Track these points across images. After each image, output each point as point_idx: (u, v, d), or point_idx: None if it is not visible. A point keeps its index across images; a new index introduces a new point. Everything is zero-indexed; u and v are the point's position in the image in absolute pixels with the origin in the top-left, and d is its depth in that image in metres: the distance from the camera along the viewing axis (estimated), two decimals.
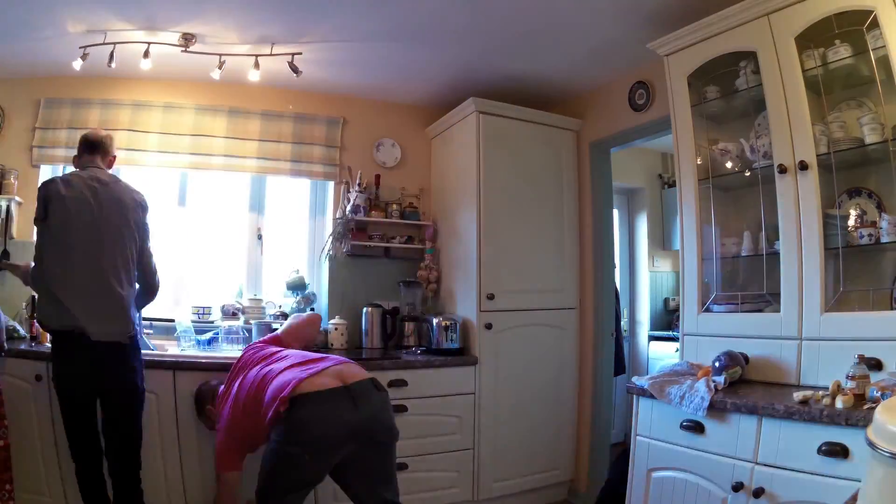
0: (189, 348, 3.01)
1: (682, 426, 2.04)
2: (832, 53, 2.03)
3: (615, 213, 4.52)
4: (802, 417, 1.68)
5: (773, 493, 1.74)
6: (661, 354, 4.49)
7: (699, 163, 2.45)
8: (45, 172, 3.26)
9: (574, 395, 3.50)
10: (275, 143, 3.54)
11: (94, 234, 2.26)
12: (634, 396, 2.28)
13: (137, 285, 2.44)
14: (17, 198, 3.10)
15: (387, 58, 3.18)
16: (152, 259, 2.52)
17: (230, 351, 3.04)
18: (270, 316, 3.41)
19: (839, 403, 1.63)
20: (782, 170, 2.09)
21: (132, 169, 3.36)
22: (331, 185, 3.71)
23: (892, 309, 1.94)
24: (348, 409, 2.08)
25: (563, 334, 3.49)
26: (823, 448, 1.62)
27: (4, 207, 3.07)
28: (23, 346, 2.64)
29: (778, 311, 2.12)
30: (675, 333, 4.36)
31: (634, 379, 2.32)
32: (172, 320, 3.18)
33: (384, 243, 3.65)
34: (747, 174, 2.35)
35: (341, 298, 3.59)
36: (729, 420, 1.90)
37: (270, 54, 2.98)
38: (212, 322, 3.28)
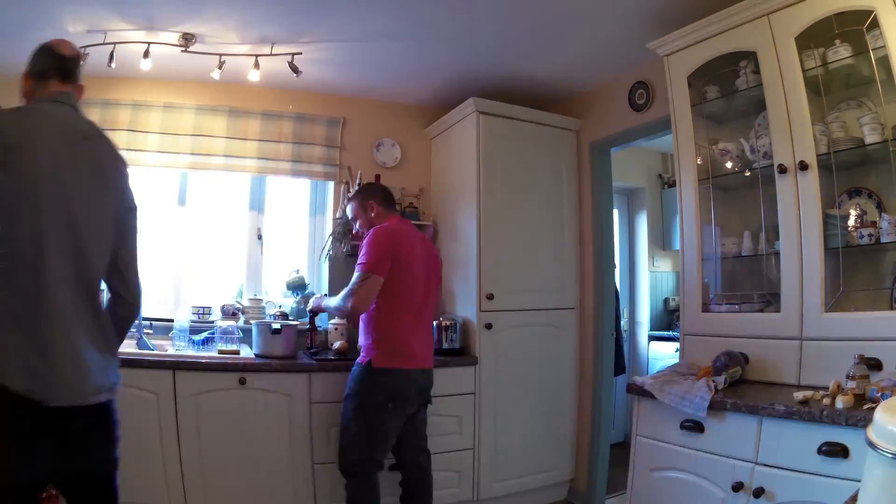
0: (184, 348, 3.01)
1: (682, 426, 2.04)
2: (832, 53, 2.03)
3: (615, 213, 4.52)
4: (802, 417, 1.68)
5: (772, 492, 1.74)
6: (661, 354, 4.49)
7: (699, 163, 2.45)
8: None
9: (574, 395, 3.50)
10: (275, 143, 3.54)
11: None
12: (634, 396, 2.28)
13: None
14: None
15: (387, 58, 3.18)
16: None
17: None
18: (270, 316, 3.40)
19: (839, 403, 1.63)
20: (782, 170, 2.09)
21: (132, 169, 3.35)
22: (331, 185, 3.71)
23: (892, 309, 1.94)
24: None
25: (563, 334, 3.49)
26: (823, 448, 1.62)
27: None
28: None
29: (778, 311, 2.12)
30: (675, 333, 4.36)
31: (634, 379, 2.32)
32: (172, 320, 3.18)
33: None
34: (747, 174, 2.35)
35: None
36: (729, 420, 1.90)
37: (270, 54, 2.98)
38: (212, 322, 3.28)
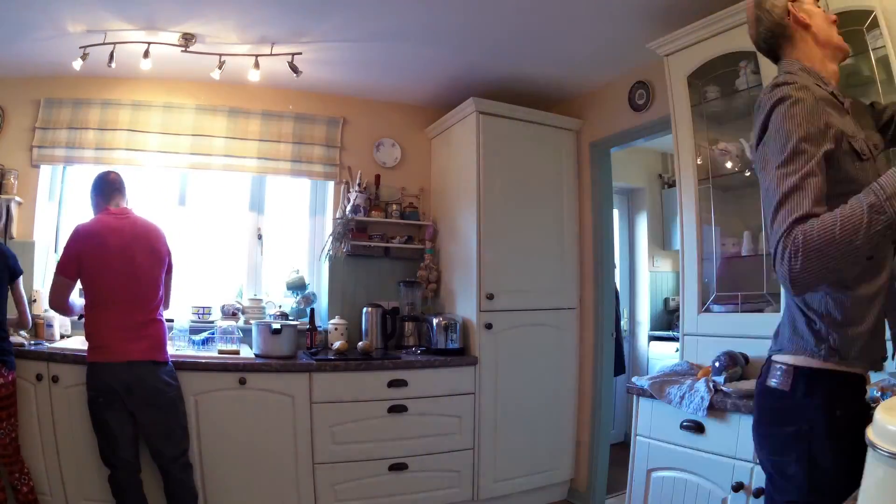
0: (184, 348, 3.01)
1: (682, 426, 2.04)
2: None
3: (615, 213, 4.52)
4: None
5: None
6: (661, 354, 4.49)
7: (699, 163, 2.45)
8: (45, 172, 3.26)
9: (574, 394, 3.50)
10: (275, 143, 3.54)
11: None
12: (634, 396, 2.28)
13: None
14: (17, 198, 3.10)
15: (387, 58, 3.18)
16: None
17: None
18: (270, 316, 3.41)
19: None
20: None
21: (132, 169, 3.36)
22: (331, 185, 3.71)
23: None
24: None
25: (563, 334, 3.49)
26: None
27: (4, 207, 3.07)
28: (25, 346, 2.64)
29: (778, 311, 2.12)
30: (675, 333, 4.36)
31: (634, 379, 2.33)
32: (172, 320, 3.18)
33: (384, 243, 3.65)
34: (747, 174, 2.35)
35: (341, 298, 3.59)
36: (729, 420, 1.90)
37: (270, 54, 2.98)
38: (212, 322, 3.28)
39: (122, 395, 2.36)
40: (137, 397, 2.39)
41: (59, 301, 2.49)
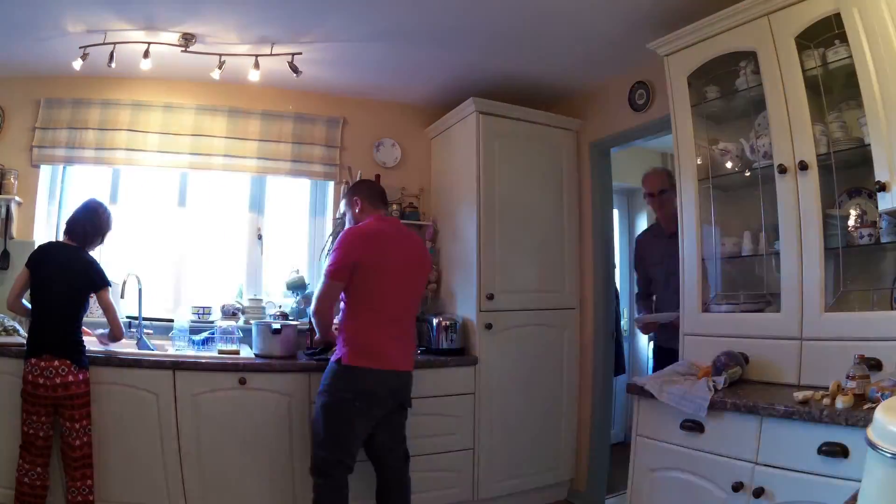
0: (184, 348, 3.01)
1: (682, 426, 2.04)
2: (832, 53, 2.03)
3: (615, 213, 4.51)
4: (802, 417, 1.67)
5: (772, 492, 1.74)
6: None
7: (699, 163, 2.45)
8: (45, 172, 3.26)
9: (574, 395, 3.50)
10: (275, 143, 3.54)
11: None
12: (634, 396, 2.28)
13: None
14: (17, 198, 3.10)
15: (387, 58, 3.18)
16: None
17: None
18: (270, 316, 3.40)
19: (839, 403, 1.63)
20: (782, 170, 2.09)
21: (132, 169, 3.37)
22: (331, 185, 3.71)
23: (892, 309, 1.94)
24: None
25: (563, 334, 3.49)
26: (823, 448, 1.61)
27: (4, 207, 3.07)
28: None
29: (778, 311, 2.12)
30: None
31: (634, 379, 2.32)
32: (172, 320, 3.18)
33: None
34: (747, 174, 2.35)
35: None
36: (729, 420, 1.90)
37: (270, 54, 2.98)
38: (212, 322, 3.28)
39: (384, 400, 2.42)
40: (397, 401, 2.49)
41: (329, 308, 2.51)
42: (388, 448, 2.56)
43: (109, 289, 2.60)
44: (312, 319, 2.66)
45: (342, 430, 2.39)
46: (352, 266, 2.40)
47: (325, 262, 2.48)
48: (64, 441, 2.39)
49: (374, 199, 2.63)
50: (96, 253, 2.72)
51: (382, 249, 2.46)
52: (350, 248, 2.42)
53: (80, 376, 2.40)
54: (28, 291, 2.55)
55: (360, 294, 2.43)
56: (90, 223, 2.60)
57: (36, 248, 2.60)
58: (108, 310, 2.57)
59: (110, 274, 2.73)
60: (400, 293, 2.50)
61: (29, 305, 2.55)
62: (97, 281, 2.55)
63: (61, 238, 2.67)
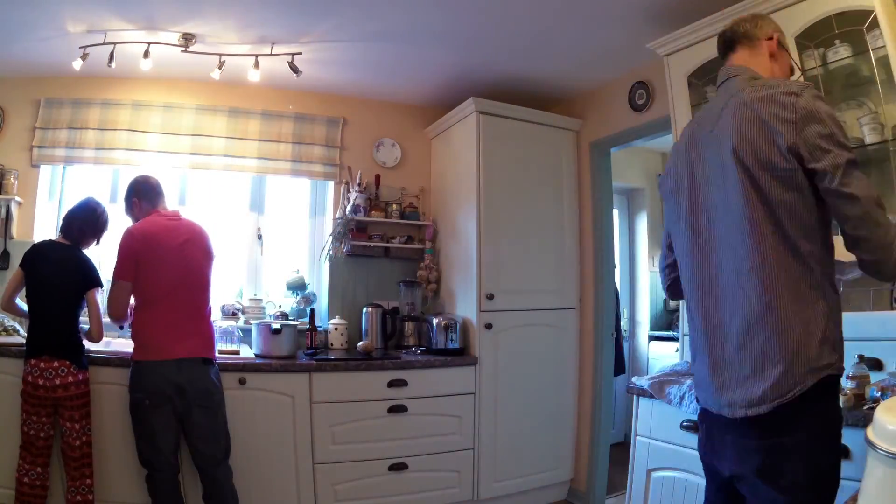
0: None
1: (682, 426, 2.04)
2: (832, 53, 2.03)
3: (615, 213, 4.51)
4: None
5: None
6: (661, 354, 4.49)
7: None
8: (45, 172, 3.26)
9: (574, 395, 3.50)
10: (275, 143, 3.54)
11: None
12: (634, 396, 2.28)
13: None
14: (17, 198, 3.10)
15: (387, 58, 3.18)
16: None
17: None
18: (270, 316, 3.41)
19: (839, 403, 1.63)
20: None
21: (132, 169, 3.36)
22: (331, 185, 3.71)
23: (892, 309, 1.93)
24: None
25: (563, 334, 3.49)
26: None
27: (4, 207, 3.07)
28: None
29: None
30: (675, 333, 4.36)
31: (634, 379, 2.32)
32: None
33: (384, 243, 3.65)
34: None
35: (341, 298, 3.59)
36: None
37: (270, 54, 2.98)
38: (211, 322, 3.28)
39: (173, 397, 2.34)
40: (188, 398, 2.37)
41: (120, 308, 2.43)
42: (196, 452, 2.44)
43: (100, 289, 2.58)
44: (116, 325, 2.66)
45: (144, 429, 2.36)
46: (134, 263, 2.40)
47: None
48: (64, 441, 2.39)
49: (150, 197, 2.58)
50: (95, 252, 2.71)
51: (154, 243, 2.43)
52: (127, 249, 2.42)
53: (80, 377, 2.41)
54: (23, 292, 2.53)
55: (138, 291, 2.43)
56: (86, 222, 2.59)
57: (30, 247, 2.58)
58: (93, 308, 2.54)
59: (109, 274, 2.72)
60: (174, 282, 2.43)
61: (24, 306, 2.54)
62: (89, 279, 2.54)
63: (56, 236, 2.66)
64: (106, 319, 2.55)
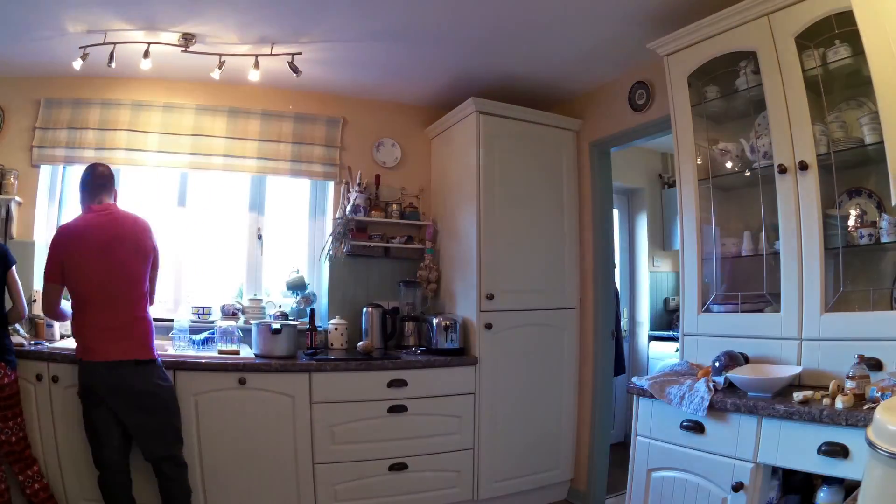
0: (184, 348, 3.01)
1: (682, 426, 2.04)
2: (832, 53, 2.03)
3: (615, 213, 4.51)
4: (802, 417, 1.68)
5: None
6: (661, 354, 4.49)
7: (699, 163, 2.45)
8: (45, 172, 3.26)
9: (574, 395, 3.50)
10: (275, 143, 3.54)
11: None
12: (634, 396, 2.28)
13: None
14: (17, 198, 3.10)
15: (387, 58, 3.18)
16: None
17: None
18: (270, 316, 3.41)
19: (839, 403, 1.63)
20: (782, 170, 2.09)
21: (132, 169, 3.36)
22: (331, 185, 3.71)
23: (892, 309, 1.94)
24: None
25: (563, 334, 3.49)
26: (823, 448, 1.61)
27: (4, 207, 3.07)
28: (25, 346, 2.64)
29: (778, 311, 2.12)
30: (675, 333, 4.36)
31: (634, 379, 2.33)
32: (172, 320, 3.18)
33: (384, 243, 3.65)
34: (747, 174, 2.35)
35: (341, 298, 3.59)
36: (729, 420, 1.90)
37: (270, 54, 2.98)
38: (212, 322, 3.28)
39: (106, 397, 2.35)
40: (121, 399, 2.37)
41: (49, 308, 2.50)
42: (144, 450, 2.44)
43: (14, 266, 2.57)
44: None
45: (87, 428, 2.39)
46: (60, 266, 2.40)
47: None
48: (2, 439, 2.40)
49: (86, 191, 2.55)
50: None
51: (77, 244, 2.42)
52: (53, 251, 2.43)
53: (13, 377, 2.42)
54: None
55: (70, 291, 2.44)
56: None
57: None
58: (12, 286, 2.55)
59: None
60: (100, 283, 2.40)
61: None
62: (3, 263, 2.52)
63: None
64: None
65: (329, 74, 3.38)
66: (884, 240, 1.92)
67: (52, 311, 2.52)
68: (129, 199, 3.45)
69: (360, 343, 3.22)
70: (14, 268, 2.59)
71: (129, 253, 2.48)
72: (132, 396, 2.39)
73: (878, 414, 0.90)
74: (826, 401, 1.70)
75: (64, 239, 2.45)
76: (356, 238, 3.56)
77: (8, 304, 2.57)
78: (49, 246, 2.46)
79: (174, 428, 2.52)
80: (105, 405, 2.36)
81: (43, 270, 2.46)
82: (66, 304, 2.56)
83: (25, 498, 2.43)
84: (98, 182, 2.55)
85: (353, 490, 2.88)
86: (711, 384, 1.99)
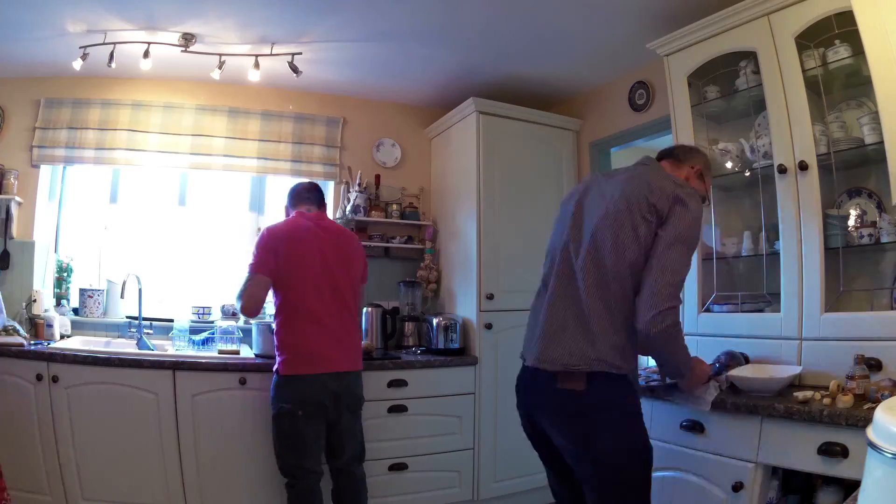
0: (184, 348, 3.01)
1: (682, 426, 2.04)
2: (832, 53, 2.03)
3: None
4: (802, 417, 1.67)
5: None
6: None
7: None
8: (45, 172, 3.26)
9: None
10: (275, 143, 3.54)
11: None
12: None
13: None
14: (17, 198, 3.10)
15: (387, 58, 3.18)
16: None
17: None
18: (270, 316, 3.40)
19: (839, 403, 1.63)
20: (782, 170, 2.09)
21: (132, 169, 3.36)
22: (331, 185, 3.71)
23: (892, 309, 1.94)
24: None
25: None
26: (823, 448, 1.61)
27: (4, 207, 3.07)
28: (24, 346, 2.64)
29: (778, 311, 2.12)
30: None
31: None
32: (172, 320, 3.19)
33: (384, 243, 3.65)
34: (747, 174, 2.35)
35: None
36: (729, 420, 1.90)
37: (270, 54, 2.98)
38: (212, 322, 3.28)
39: (328, 406, 2.33)
40: (343, 405, 2.38)
41: (257, 302, 2.35)
42: (339, 453, 2.46)
43: None
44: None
45: (294, 440, 2.34)
46: (276, 258, 2.33)
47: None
48: None
49: (296, 200, 2.57)
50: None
51: (295, 243, 2.38)
52: (265, 244, 2.36)
53: None
54: None
55: (286, 294, 2.36)
56: None
57: None
58: None
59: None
60: (327, 287, 2.37)
61: None
62: None
63: None
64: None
65: (329, 74, 3.38)
66: (884, 240, 1.92)
67: (260, 305, 2.37)
68: (129, 199, 3.46)
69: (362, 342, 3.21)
70: None
71: (347, 262, 2.48)
72: (351, 402, 2.43)
73: (878, 414, 0.90)
74: (826, 401, 1.70)
75: (281, 235, 2.39)
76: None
77: None
78: (258, 240, 2.40)
79: (361, 426, 2.57)
80: (321, 415, 2.33)
81: (252, 263, 2.35)
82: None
83: None
84: (304, 195, 2.57)
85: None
86: (716, 384, 1.98)
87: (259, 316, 3.29)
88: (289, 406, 2.30)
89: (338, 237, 2.50)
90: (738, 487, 1.81)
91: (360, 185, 3.59)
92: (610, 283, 1.64)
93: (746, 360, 2.13)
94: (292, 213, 2.55)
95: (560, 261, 1.80)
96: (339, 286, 2.42)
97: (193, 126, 3.40)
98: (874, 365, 1.77)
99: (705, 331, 2.36)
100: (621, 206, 1.67)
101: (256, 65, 2.97)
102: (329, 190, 3.73)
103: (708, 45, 2.37)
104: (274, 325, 2.42)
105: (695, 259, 2.40)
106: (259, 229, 3.64)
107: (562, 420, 1.71)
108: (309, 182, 2.67)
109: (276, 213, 3.72)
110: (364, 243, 3.55)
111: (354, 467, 2.51)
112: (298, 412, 2.29)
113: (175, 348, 3.02)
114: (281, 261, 2.33)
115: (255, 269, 2.34)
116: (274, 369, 2.38)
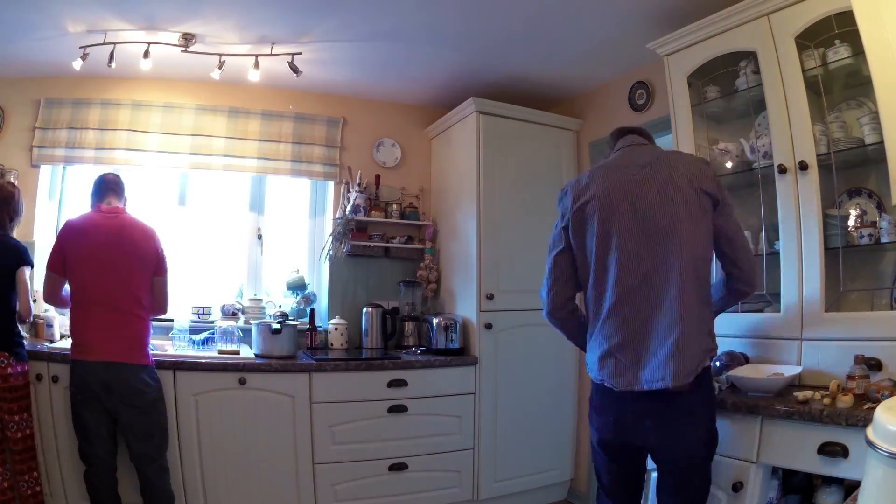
0: (184, 348, 3.01)
1: None
2: (832, 53, 2.03)
3: None
4: (802, 417, 1.67)
5: None
6: None
7: None
8: (45, 172, 3.26)
9: (574, 394, 3.50)
10: (275, 143, 3.54)
11: None
12: None
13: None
14: None
15: (387, 58, 3.18)
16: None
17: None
18: (270, 316, 3.40)
19: (839, 403, 1.63)
20: (782, 170, 2.09)
21: (132, 169, 3.36)
22: (331, 185, 3.71)
23: (892, 309, 1.94)
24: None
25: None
26: (823, 448, 1.61)
27: None
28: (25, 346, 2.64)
29: (778, 311, 2.12)
30: None
31: None
32: (172, 320, 3.18)
33: (384, 243, 3.65)
34: (747, 174, 2.35)
35: (341, 298, 3.59)
36: (729, 420, 1.90)
37: (270, 54, 2.98)
38: (212, 322, 3.28)
39: (101, 395, 2.36)
40: (115, 397, 2.37)
41: (48, 295, 2.54)
42: (136, 454, 2.44)
43: (28, 268, 2.55)
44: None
45: (77, 425, 2.41)
46: (62, 257, 2.44)
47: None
48: (5, 434, 2.38)
49: (98, 195, 2.60)
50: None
51: (79, 239, 2.46)
52: (56, 242, 2.49)
53: (18, 368, 2.40)
54: None
55: (72, 285, 2.47)
56: (7, 209, 2.59)
57: None
58: (21, 286, 2.51)
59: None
60: (107, 280, 2.43)
61: None
62: (18, 261, 2.51)
63: None
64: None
65: (329, 74, 3.38)
66: (884, 240, 1.92)
67: (53, 299, 2.54)
68: (129, 199, 3.46)
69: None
70: (27, 270, 2.55)
71: (130, 255, 2.49)
72: (125, 395, 2.39)
73: (878, 414, 0.90)
74: (826, 401, 1.70)
75: (68, 232, 2.50)
76: (356, 238, 3.56)
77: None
78: (56, 237, 2.52)
79: (162, 430, 2.51)
80: (98, 403, 2.37)
81: (47, 259, 2.48)
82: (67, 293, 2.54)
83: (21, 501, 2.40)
84: (108, 186, 2.60)
85: (354, 490, 2.88)
86: (717, 384, 1.99)
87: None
88: (73, 390, 2.40)
89: (123, 230, 2.53)
90: (738, 487, 1.81)
91: (360, 185, 3.59)
92: (699, 269, 1.67)
93: (746, 360, 2.13)
94: (94, 206, 2.58)
95: (626, 267, 1.70)
96: (122, 279, 2.46)
97: (193, 126, 3.40)
98: (874, 365, 1.77)
99: None
100: (689, 195, 1.70)
101: (256, 65, 2.97)
102: (329, 190, 3.73)
103: (708, 45, 2.37)
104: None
105: None
106: (259, 230, 3.66)
107: (668, 419, 1.66)
108: (112, 173, 2.69)
109: (276, 213, 3.74)
110: (364, 243, 3.57)
111: (144, 466, 2.45)
112: (78, 397, 2.39)
113: (175, 348, 3.02)
114: (67, 256, 2.45)
115: (47, 265, 2.49)
116: None
